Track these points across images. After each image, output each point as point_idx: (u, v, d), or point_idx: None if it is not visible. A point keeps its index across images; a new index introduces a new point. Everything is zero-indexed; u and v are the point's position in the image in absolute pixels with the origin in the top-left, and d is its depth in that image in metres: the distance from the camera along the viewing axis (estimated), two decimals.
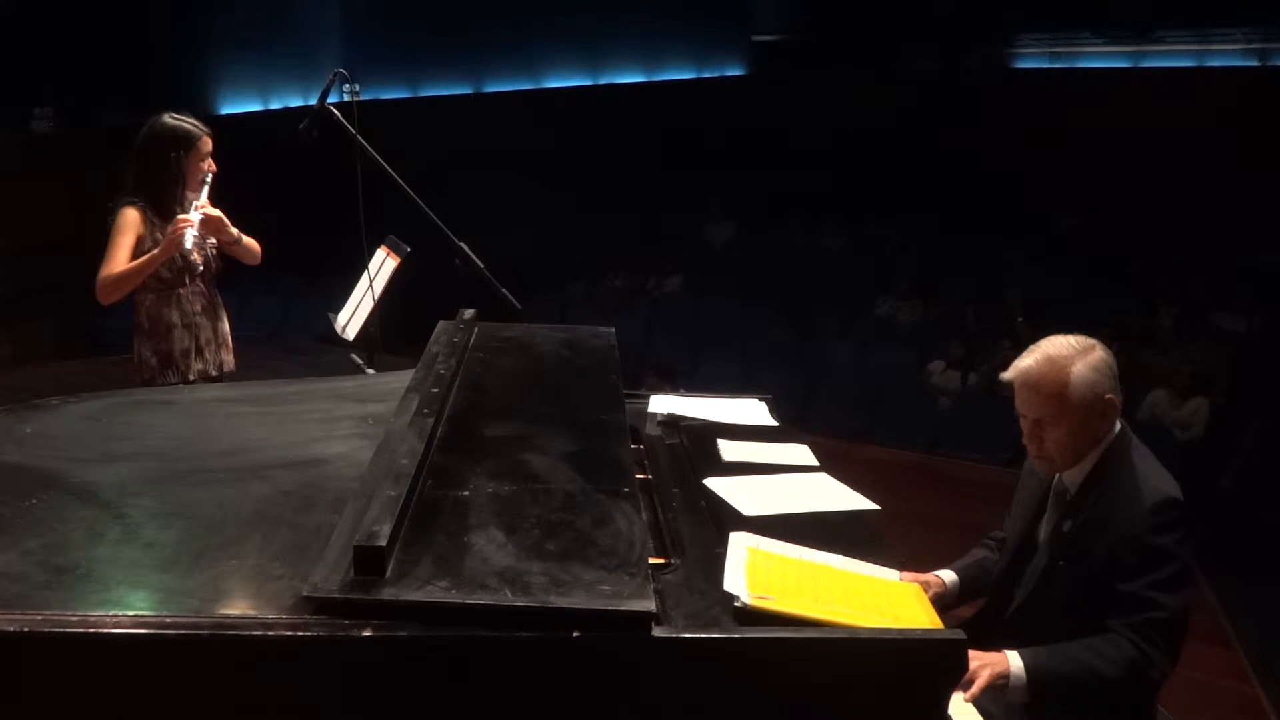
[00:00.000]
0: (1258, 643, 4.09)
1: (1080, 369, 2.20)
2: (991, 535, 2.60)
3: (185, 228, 3.41)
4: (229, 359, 3.76)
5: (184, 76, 9.92)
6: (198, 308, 3.63)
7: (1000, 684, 2.11)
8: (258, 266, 3.80)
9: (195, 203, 3.51)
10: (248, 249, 3.74)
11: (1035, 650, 2.16)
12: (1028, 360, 2.25)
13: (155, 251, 3.45)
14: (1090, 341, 2.25)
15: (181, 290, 3.59)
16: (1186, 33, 10.45)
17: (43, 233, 8.21)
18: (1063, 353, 2.22)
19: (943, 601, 2.39)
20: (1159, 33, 10.55)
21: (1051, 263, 9.38)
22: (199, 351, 3.64)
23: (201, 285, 3.65)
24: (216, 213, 3.56)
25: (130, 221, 3.48)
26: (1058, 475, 2.33)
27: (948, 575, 2.47)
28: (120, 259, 3.45)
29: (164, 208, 3.52)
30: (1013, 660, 2.13)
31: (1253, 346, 7.84)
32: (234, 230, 3.63)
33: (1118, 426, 2.27)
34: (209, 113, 9.69)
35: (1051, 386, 2.20)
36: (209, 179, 3.58)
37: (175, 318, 3.59)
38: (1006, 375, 2.28)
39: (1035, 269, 9.21)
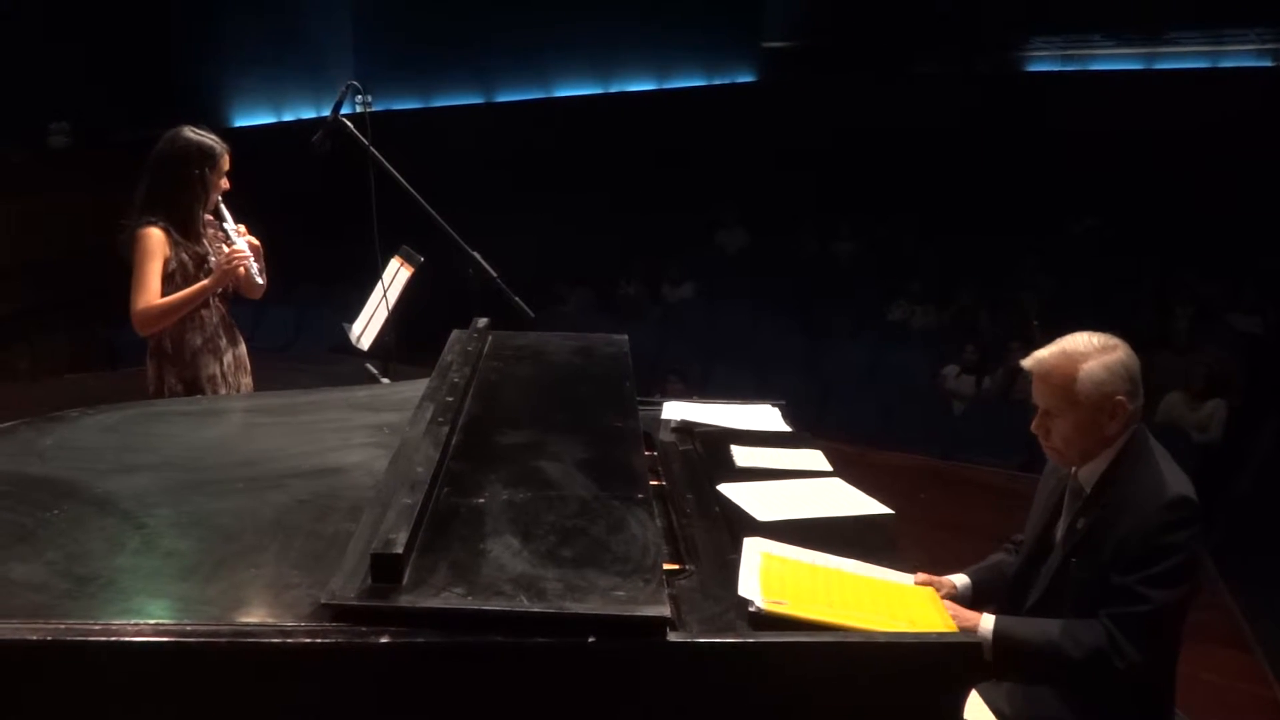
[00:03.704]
0: (1275, 646, 4.07)
1: (1091, 366, 2.21)
2: (1012, 539, 2.60)
3: (243, 259, 3.35)
4: (247, 381, 3.65)
5: (197, 90, 9.97)
6: (218, 329, 3.51)
7: None
8: (270, 278, 3.63)
9: (229, 226, 3.41)
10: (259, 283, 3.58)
11: (1010, 618, 2.20)
12: (1045, 351, 2.28)
13: (206, 282, 3.35)
14: (1114, 342, 2.26)
15: (204, 311, 3.46)
16: (1199, 34, 10.42)
17: (59, 248, 8.27)
18: (1079, 348, 2.24)
19: None
20: (1171, 34, 10.52)
21: (1065, 265, 9.33)
22: (223, 377, 3.52)
23: (220, 304, 3.54)
24: (255, 241, 3.47)
25: (156, 244, 3.31)
26: (1074, 474, 2.34)
27: (960, 579, 2.47)
28: (155, 287, 3.30)
29: (188, 227, 3.39)
30: (984, 621, 2.16)
31: (1269, 347, 7.79)
32: (261, 262, 3.52)
33: (1135, 428, 2.27)
34: (222, 125, 9.74)
35: (1060, 379, 2.22)
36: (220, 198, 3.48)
37: (199, 341, 3.45)
38: (1025, 362, 2.31)
39: (1049, 272, 9.17)
